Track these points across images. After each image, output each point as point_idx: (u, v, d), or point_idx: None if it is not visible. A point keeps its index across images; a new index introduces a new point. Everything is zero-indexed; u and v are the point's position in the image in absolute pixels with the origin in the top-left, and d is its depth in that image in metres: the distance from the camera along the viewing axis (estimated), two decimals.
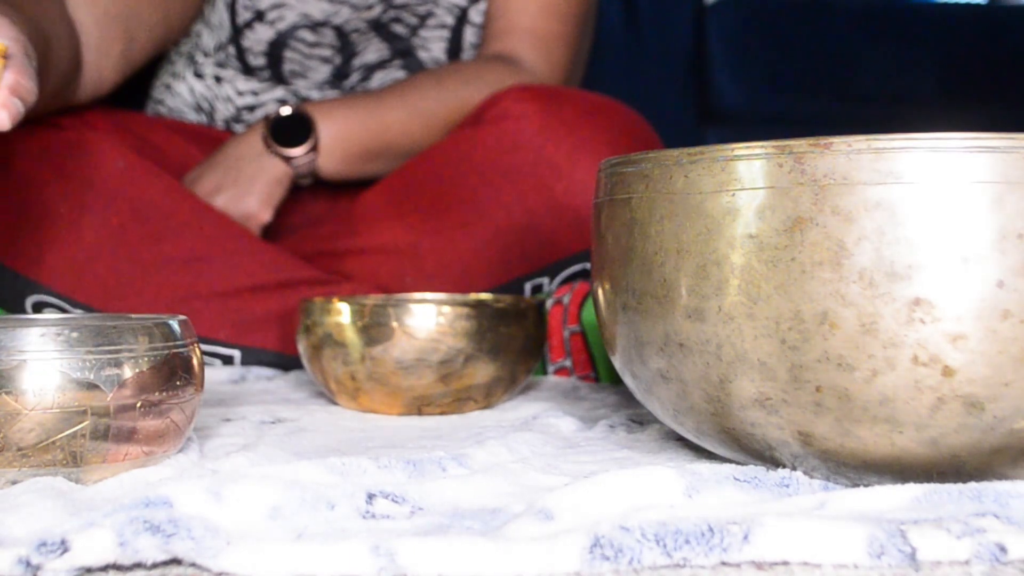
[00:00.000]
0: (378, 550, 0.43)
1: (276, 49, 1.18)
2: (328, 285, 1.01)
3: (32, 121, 0.92)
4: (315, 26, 1.17)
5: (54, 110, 0.98)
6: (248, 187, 1.09)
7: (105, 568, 0.44)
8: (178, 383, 0.56)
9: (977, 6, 2.42)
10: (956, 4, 2.33)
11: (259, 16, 1.16)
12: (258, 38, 1.17)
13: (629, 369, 0.58)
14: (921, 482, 0.51)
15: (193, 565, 0.44)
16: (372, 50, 1.21)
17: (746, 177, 0.50)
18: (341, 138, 1.09)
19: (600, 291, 0.60)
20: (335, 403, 0.84)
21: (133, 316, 0.64)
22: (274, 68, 1.19)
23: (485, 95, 1.10)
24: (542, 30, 1.18)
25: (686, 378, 0.54)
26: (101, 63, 0.99)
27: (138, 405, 0.54)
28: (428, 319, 0.77)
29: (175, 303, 0.96)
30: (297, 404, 0.84)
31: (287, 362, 1.00)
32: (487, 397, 0.81)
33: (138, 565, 0.44)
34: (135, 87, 1.22)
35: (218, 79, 1.22)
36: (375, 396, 0.79)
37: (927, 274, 0.47)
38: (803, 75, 2.12)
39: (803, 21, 2.14)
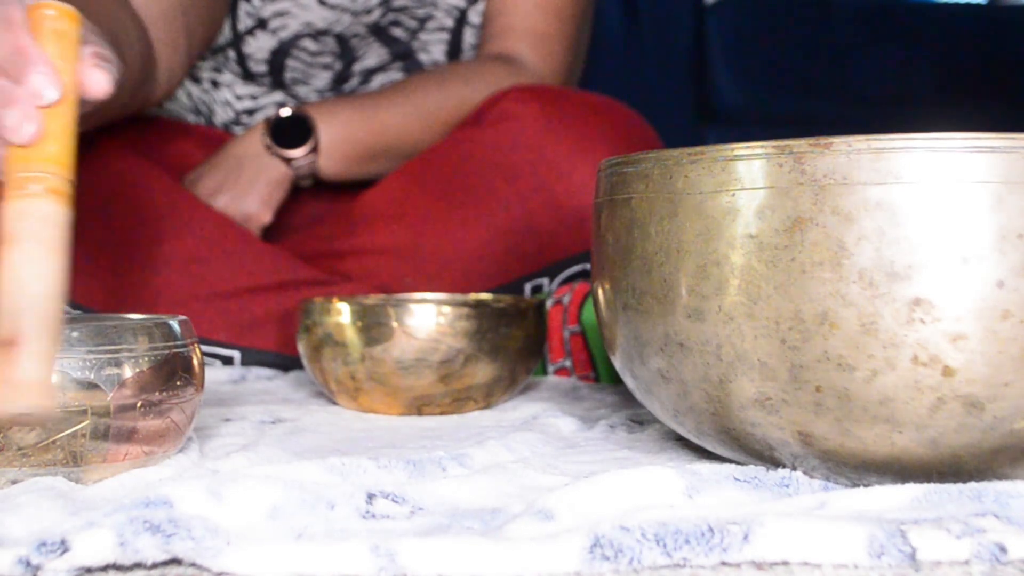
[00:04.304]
0: (378, 550, 0.43)
1: (278, 57, 1.18)
2: (328, 285, 1.01)
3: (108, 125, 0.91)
4: (317, 34, 1.17)
5: (133, 111, 0.97)
6: (248, 188, 1.09)
7: (105, 568, 0.44)
8: (178, 383, 0.56)
9: (977, 6, 2.42)
10: (956, 4, 2.33)
11: (261, 24, 1.16)
12: (260, 45, 1.17)
13: (629, 369, 0.58)
14: (921, 482, 0.51)
15: (193, 565, 0.44)
16: (372, 54, 1.21)
17: (746, 177, 0.50)
18: (341, 139, 1.09)
19: (600, 291, 0.60)
20: (335, 403, 0.84)
21: (133, 316, 0.64)
22: (275, 75, 1.19)
23: (485, 95, 1.10)
24: (541, 29, 1.18)
25: (686, 378, 0.54)
26: (171, 58, 0.99)
27: (138, 405, 0.54)
28: (428, 319, 0.77)
29: (175, 304, 0.96)
30: (297, 404, 0.84)
31: (287, 362, 0.99)
32: (487, 397, 0.81)
33: (138, 565, 0.44)
34: None
35: (215, 83, 1.22)
36: (375, 396, 0.79)
37: (927, 274, 0.47)
38: (803, 75, 2.12)
39: (803, 21, 2.14)
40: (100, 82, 0.58)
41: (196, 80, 1.22)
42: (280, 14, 1.16)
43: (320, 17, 1.16)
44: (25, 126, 0.54)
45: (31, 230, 0.52)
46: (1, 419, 0.47)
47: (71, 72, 0.57)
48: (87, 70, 0.58)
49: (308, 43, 1.17)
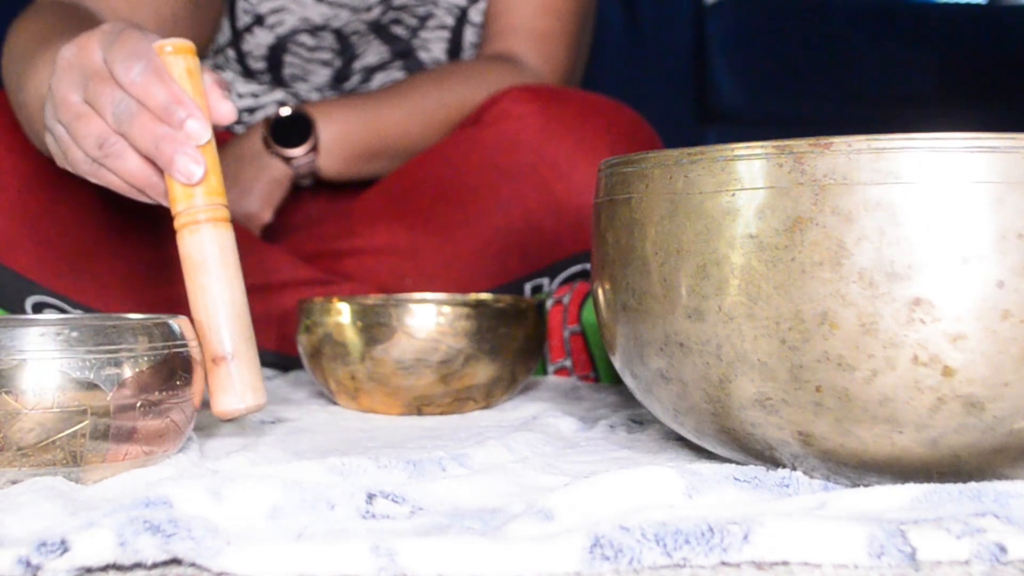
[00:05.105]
0: (378, 550, 0.43)
1: (276, 53, 1.18)
2: (328, 285, 1.01)
3: None
4: (314, 30, 1.17)
5: None
6: (248, 187, 1.09)
7: (105, 568, 0.44)
8: (178, 383, 0.56)
9: (977, 6, 2.42)
10: (956, 4, 2.33)
11: (258, 20, 1.16)
12: (258, 42, 1.17)
13: (629, 369, 0.58)
14: (921, 482, 0.51)
15: (193, 565, 0.44)
16: (372, 52, 1.21)
17: (746, 177, 0.50)
18: (341, 138, 1.09)
19: (600, 291, 0.60)
20: (335, 403, 0.84)
21: (133, 316, 0.64)
22: (274, 72, 1.19)
23: (485, 95, 1.10)
24: (542, 29, 1.18)
25: (686, 378, 0.54)
26: None
27: (138, 405, 0.54)
28: (428, 319, 0.77)
29: (175, 304, 0.96)
30: (297, 404, 0.84)
31: (287, 362, 0.99)
32: (487, 397, 0.81)
33: (138, 565, 0.44)
34: None
35: None
36: (375, 396, 0.79)
37: (927, 274, 0.47)
38: (803, 75, 2.11)
39: (803, 21, 2.14)
40: (227, 111, 0.65)
41: None
42: (277, 10, 1.16)
43: (317, 13, 1.16)
44: (195, 169, 0.62)
45: (215, 257, 0.62)
46: (228, 418, 0.60)
47: (205, 106, 0.65)
48: (215, 102, 0.65)
49: (305, 38, 1.17)
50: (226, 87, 0.66)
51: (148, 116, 0.62)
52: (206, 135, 0.63)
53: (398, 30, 1.20)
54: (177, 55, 0.64)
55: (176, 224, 0.63)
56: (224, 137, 1.21)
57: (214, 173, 0.64)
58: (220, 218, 0.63)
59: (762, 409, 0.52)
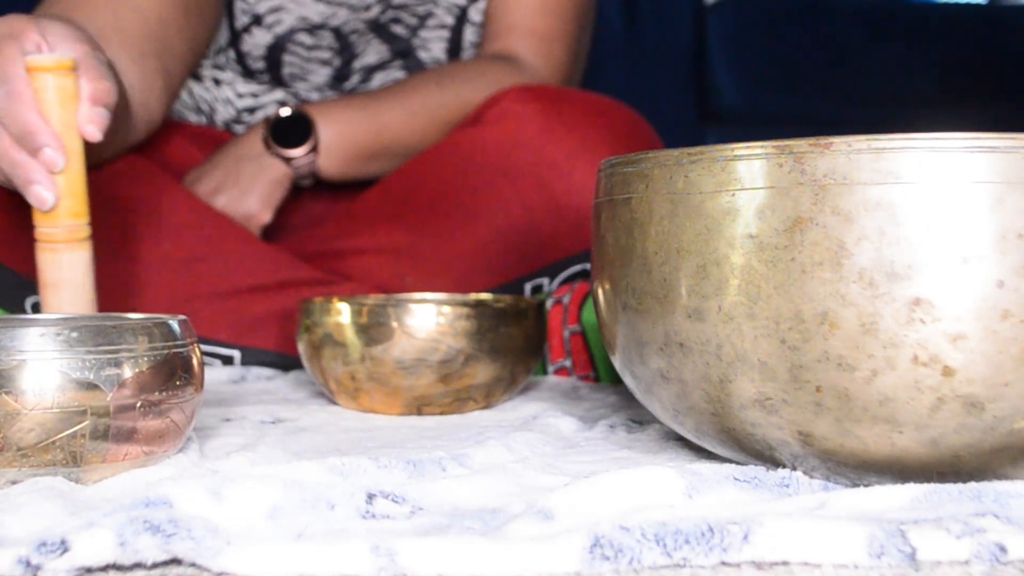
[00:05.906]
0: (378, 550, 0.43)
1: (275, 53, 1.18)
2: (328, 285, 1.01)
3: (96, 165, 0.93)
4: (313, 29, 1.17)
5: (121, 150, 0.98)
6: (248, 188, 1.09)
7: (105, 568, 0.44)
8: (178, 383, 0.56)
9: (977, 6, 2.42)
10: (956, 4, 2.33)
11: (257, 20, 1.16)
12: (256, 42, 1.17)
13: (629, 369, 0.58)
14: (921, 482, 0.51)
15: (193, 565, 0.44)
16: (372, 51, 1.21)
17: (746, 177, 0.50)
18: (341, 138, 1.09)
19: (600, 291, 0.60)
20: (335, 403, 0.84)
21: (133, 316, 0.64)
22: (273, 71, 1.19)
23: (485, 95, 1.10)
24: (542, 29, 1.18)
25: (686, 378, 0.54)
26: (148, 101, 0.97)
27: (138, 405, 0.54)
28: (428, 319, 0.77)
29: (175, 303, 0.96)
30: (297, 404, 0.84)
31: (287, 362, 0.99)
32: (487, 397, 0.81)
33: (138, 565, 0.44)
34: None
35: (217, 81, 1.22)
36: (375, 396, 0.79)
37: (927, 274, 0.47)
38: (803, 75, 2.12)
39: (803, 21, 2.14)
40: (91, 132, 0.68)
41: (198, 78, 1.22)
42: (275, 9, 1.16)
43: (315, 12, 1.16)
44: (47, 197, 0.66)
45: (66, 277, 0.65)
46: None
47: (74, 125, 0.67)
48: (82, 122, 0.67)
49: (304, 37, 1.17)
50: (105, 100, 0.69)
51: (7, 140, 0.66)
52: (60, 163, 0.65)
53: (398, 29, 1.20)
54: (47, 73, 0.66)
55: (36, 235, 0.66)
56: (224, 137, 1.21)
57: (72, 196, 0.66)
58: (78, 239, 0.66)
59: (762, 409, 0.52)
